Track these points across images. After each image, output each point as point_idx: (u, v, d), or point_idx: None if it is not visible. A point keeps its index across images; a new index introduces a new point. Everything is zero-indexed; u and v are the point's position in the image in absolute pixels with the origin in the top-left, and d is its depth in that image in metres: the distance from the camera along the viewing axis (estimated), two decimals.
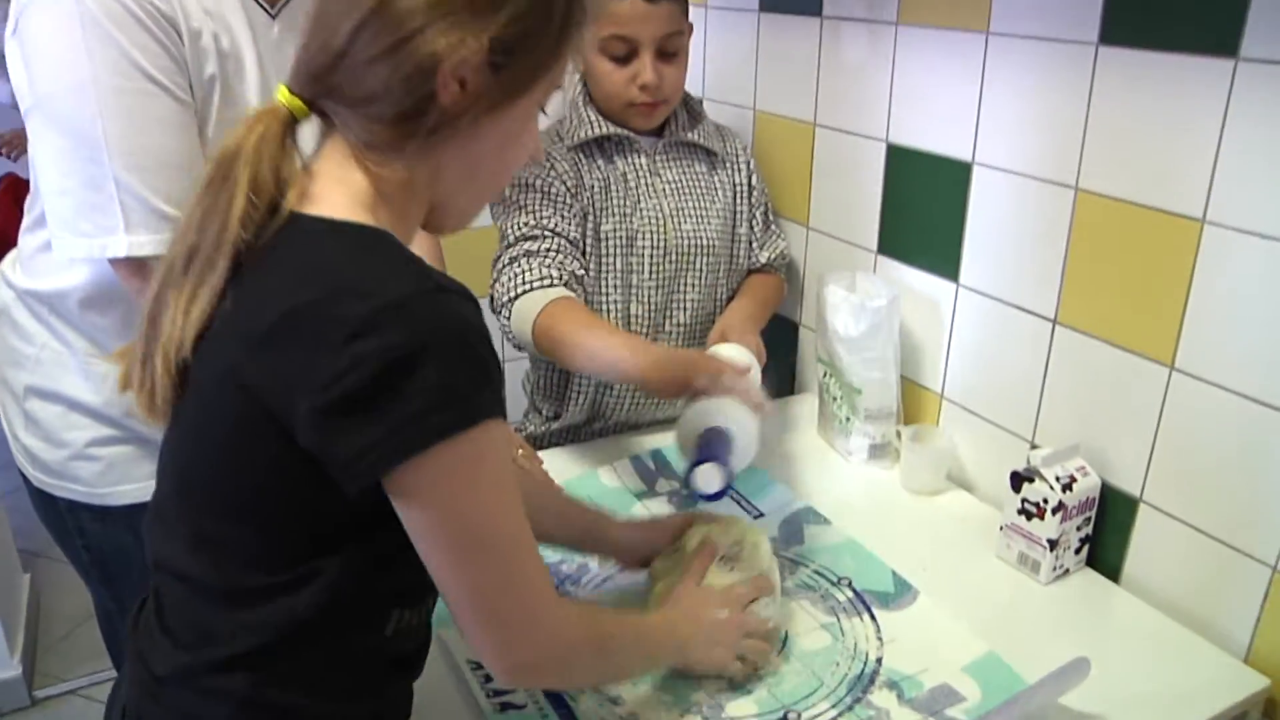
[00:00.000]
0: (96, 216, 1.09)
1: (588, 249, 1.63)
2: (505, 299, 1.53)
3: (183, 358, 0.83)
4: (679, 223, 1.67)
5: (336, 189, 0.84)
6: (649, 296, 1.67)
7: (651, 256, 1.65)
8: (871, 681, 1.15)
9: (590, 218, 1.62)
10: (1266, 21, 1.10)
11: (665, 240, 1.66)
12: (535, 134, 0.93)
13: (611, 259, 1.64)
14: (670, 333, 1.70)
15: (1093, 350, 1.37)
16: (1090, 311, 1.37)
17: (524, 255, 1.55)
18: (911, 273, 1.66)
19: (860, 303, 1.57)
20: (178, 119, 1.12)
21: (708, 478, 1.20)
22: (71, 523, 1.32)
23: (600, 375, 1.58)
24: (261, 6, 1.23)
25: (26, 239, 1.27)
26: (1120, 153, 1.29)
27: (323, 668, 0.87)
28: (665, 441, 1.69)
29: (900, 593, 1.31)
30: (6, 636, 2.34)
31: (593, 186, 1.62)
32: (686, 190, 1.69)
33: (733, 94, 2.02)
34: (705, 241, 1.69)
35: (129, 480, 1.29)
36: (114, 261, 1.13)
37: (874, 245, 1.73)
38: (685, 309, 1.70)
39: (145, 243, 1.11)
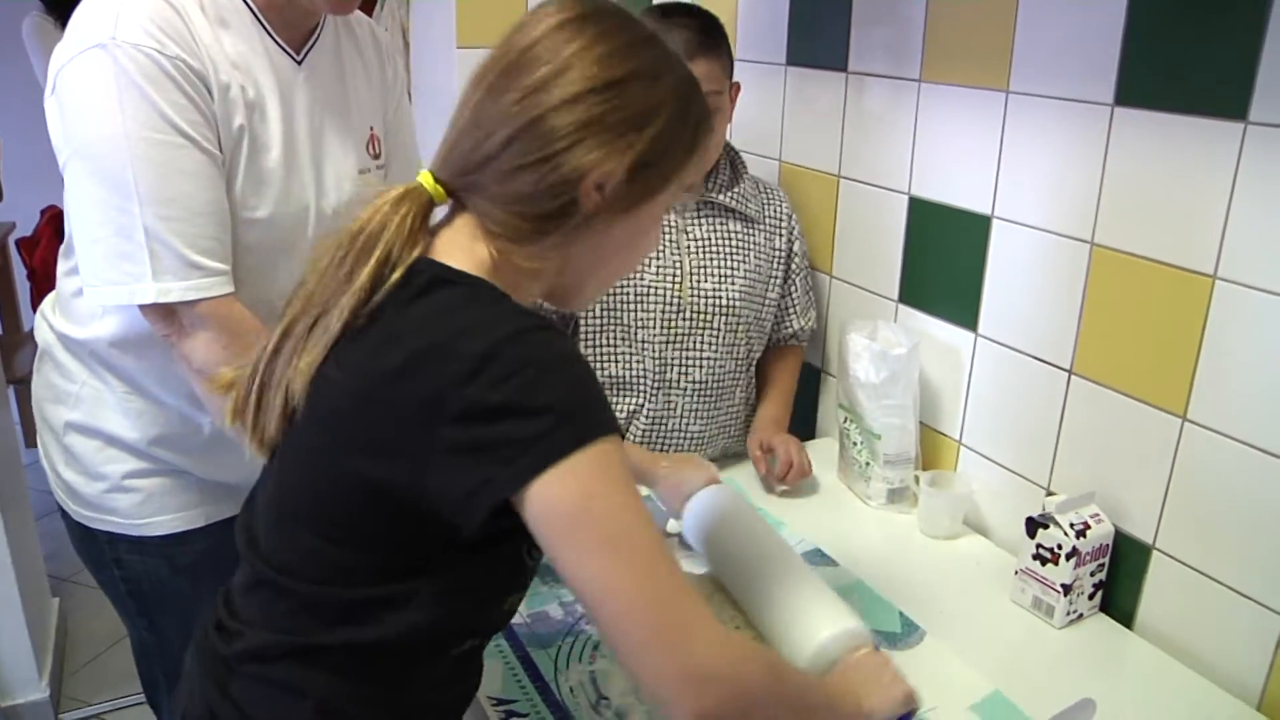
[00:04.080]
0: (126, 264, 1.11)
1: (593, 302, 1.65)
2: None
3: (293, 405, 0.89)
4: (698, 280, 1.69)
5: (459, 255, 0.90)
6: (660, 352, 1.69)
7: (664, 313, 1.67)
8: None
9: None
10: (1273, 87, 1.15)
11: (679, 297, 1.68)
12: (659, 227, 1.00)
13: (618, 313, 1.67)
14: (684, 389, 1.72)
15: (1107, 400, 1.41)
16: (1105, 362, 1.41)
17: None
18: (931, 322, 1.70)
19: (881, 350, 1.61)
20: (205, 170, 1.14)
21: None
22: (110, 554, 1.35)
23: None
24: (288, 54, 1.26)
25: (64, 283, 1.31)
26: (1134, 210, 1.34)
27: (393, 678, 0.91)
28: None
29: (908, 633, 1.33)
30: (35, 660, 2.38)
31: None
32: (713, 249, 1.71)
33: (759, 145, 2.08)
34: (726, 301, 1.71)
35: (165, 511, 1.33)
36: (143, 308, 1.16)
37: (895, 295, 1.78)
38: (700, 366, 1.72)
39: (172, 289, 1.13)
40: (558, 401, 0.80)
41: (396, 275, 0.87)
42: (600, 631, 0.84)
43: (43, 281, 3.29)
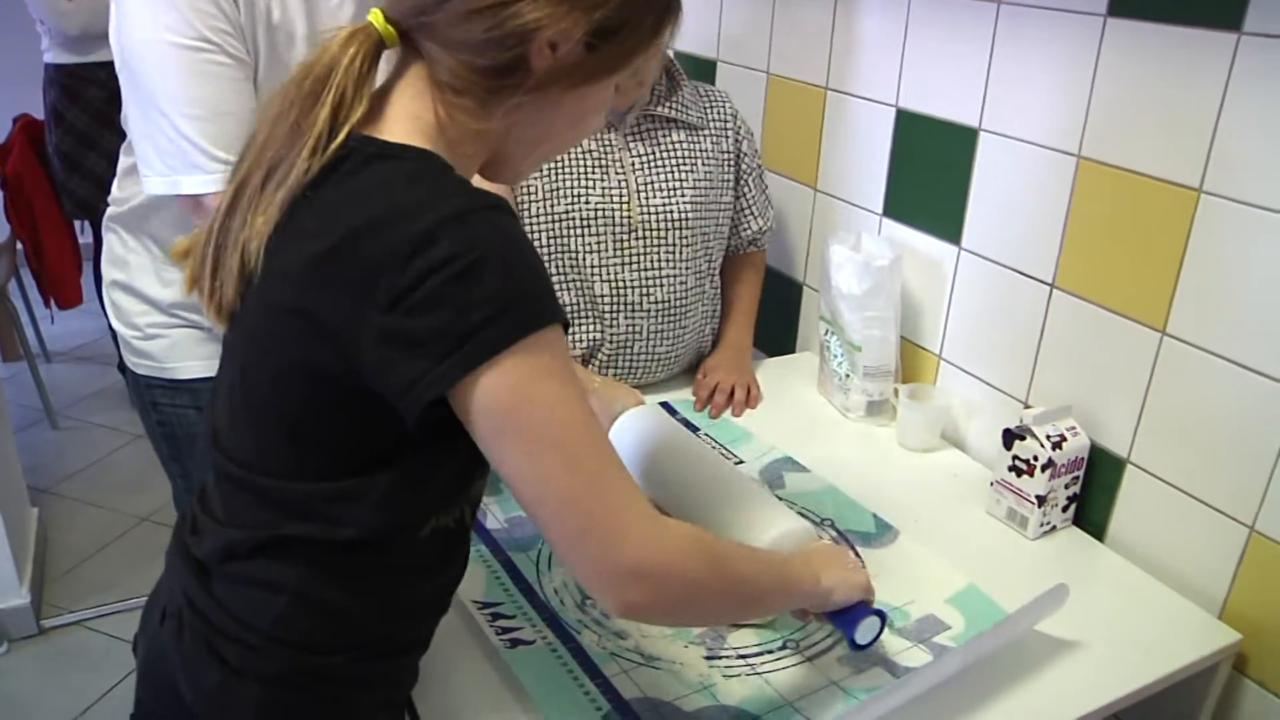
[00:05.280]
0: (166, 158, 1.24)
1: (537, 231, 1.62)
2: None
3: (250, 268, 0.86)
4: (647, 197, 1.64)
5: (403, 118, 0.87)
6: (616, 275, 1.65)
7: (615, 234, 1.63)
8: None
9: (535, 205, 1.62)
10: None
11: (629, 217, 1.63)
12: (604, 113, 0.96)
13: (565, 240, 1.62)
14: (647, 310, 1.68)
15: (1088, 314, 1.41)
16: (1087, 276, 1.41)
17: None
18: (915, 235, 1.70)
19: (864, 261, 1.61)
20: (230, 74, 1.24)
21: (870, 629, 1.10)
22: (148, 398, 1.49)
23: None
24: None
25: (123, 161, 1.42)
26: (1123, 122, 1.32)
27: (366, 568, 0.91)
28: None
29: (881, 532, 1.37)
30: (16, 567, 2.39)
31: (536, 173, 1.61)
32: (659, 163, 1.66)
33: (747, 57, 2.05)
34: (678, 214, 1.66)
35: (191, 357, 1.45)
36: (178, 196, 1.28)
37: (879, 208, 1.77)
38: (661, 285, 1.68)
39: (199, 182, 1.23)
40: (496, 292, 0.77)
41: (335, 145, 0.83)
42: (535, 525, 0.83)
43: (15, 190, 3.23)
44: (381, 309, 0.77)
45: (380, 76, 0.89)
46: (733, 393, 1.73)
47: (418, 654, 1.01)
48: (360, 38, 0.85)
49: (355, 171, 0.83)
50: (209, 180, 1.23)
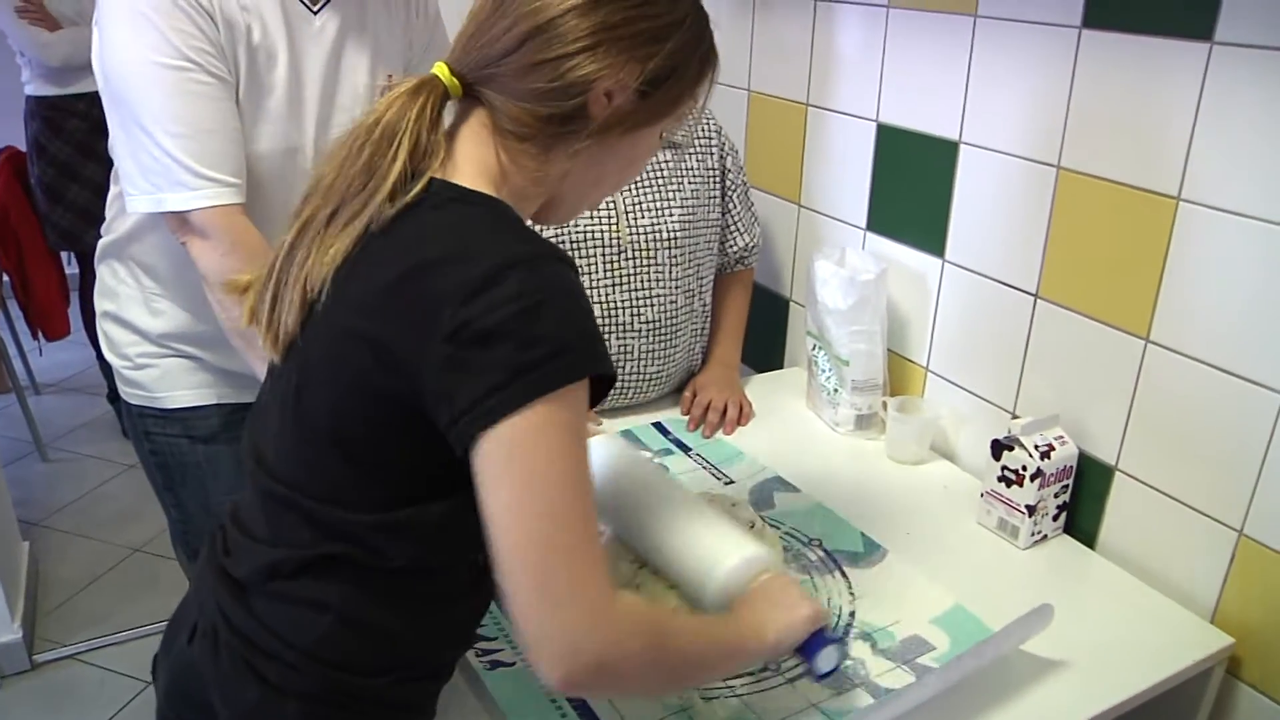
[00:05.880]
0: (150, 176, 1.25)
1: None
2: None
3: (313, 299, 0.89)
4: (635, 218, 1.65)
5: (470, 162, 0.91)
6: (606, 296, 1.65)
7: (605, 255, 1.64)
8: (846, 634, 1.21)
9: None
10: (1239, 7, 1.15)
11: (619, 238, 1.64)
12: (652, 156, 1.00)
13: None
14: (638, 330, 1.68)
15: (1072, 323, 1.42)
16: (1070, 286, 1.42)
17: None
18: (899, 249, 1.71)
19: (849, 276, 1.62)
20: (212, 92, 1.25)
21: (829, 658, 1.06)
22: (140, 428, 1.50)
23: None
24: (303, 3, 1.33)
25: (113, 189, 1.44)
26: (1101, 132, 1.34)
27: (408, 591, 0.92)
28: (635, 422, 1.73)
29: (869, 552, 1.37)
30: (7, 602, 2.37)
31: None
32: (646, 183, 1.67)
33: (728, 75, 2.06)
34: (666, 234, 1.67)
35: (182, 387, 1.47)
36: (164, 215, 1.29)
37: (863, 222, 1.78)
38: (652, 305, 1.68)
39: (182, 199, 1.24)
40: (554, 334, 0.81)
41: (418, 188, 0.87)
42: (496, 569, 0.82)
43: (0, 223, 3.22)
44: (444, 338, 0.80)
45: None
46: (724, 410, 1.73)
47: (445, 680, 1.03)
48: (428, 89, 0.90)
49: (432, 210, 0.87)
50: (194, 197, 1.24)
